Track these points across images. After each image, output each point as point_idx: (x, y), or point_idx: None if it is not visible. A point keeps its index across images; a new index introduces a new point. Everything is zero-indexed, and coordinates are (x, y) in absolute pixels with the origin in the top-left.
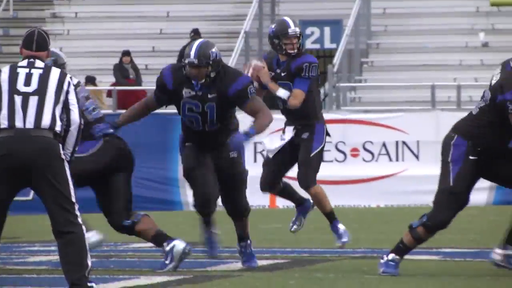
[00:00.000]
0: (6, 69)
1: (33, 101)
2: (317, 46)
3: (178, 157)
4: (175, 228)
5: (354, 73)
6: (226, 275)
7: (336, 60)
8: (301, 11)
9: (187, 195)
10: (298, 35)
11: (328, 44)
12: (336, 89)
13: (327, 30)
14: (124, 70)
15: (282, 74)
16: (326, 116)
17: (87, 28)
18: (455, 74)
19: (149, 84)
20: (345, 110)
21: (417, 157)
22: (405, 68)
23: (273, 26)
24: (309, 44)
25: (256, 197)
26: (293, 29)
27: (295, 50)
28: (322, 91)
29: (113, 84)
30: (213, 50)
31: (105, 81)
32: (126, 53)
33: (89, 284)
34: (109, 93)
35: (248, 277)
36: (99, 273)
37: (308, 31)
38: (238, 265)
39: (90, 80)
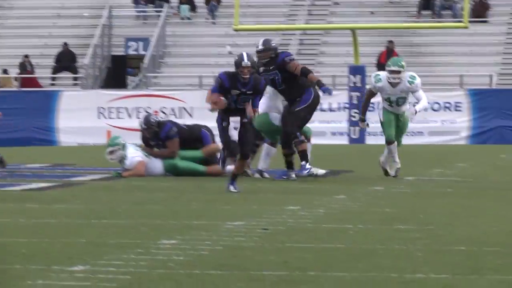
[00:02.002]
0: None
1: None
2: (135, 52)
3: None
4: None
5: (156, 67)
6: None
7: (146, 60)
8: (128, 31)
9: None
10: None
11: (141, 51)
12: (145, 77)
13: (141, 44)
14: (24, 65)
15: (248, 92)
16: (141, 92)
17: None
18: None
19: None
20: (151, 89)
21: (191, 115)
22: (186, 65)
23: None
24: (131, 51)
25: None
26: (245, 62)
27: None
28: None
29: (19, 73)
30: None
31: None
32: (26, 56)
33: None
34: (16, 79)
35: None
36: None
37: (133, 44)
38: None
39: (5, 71)
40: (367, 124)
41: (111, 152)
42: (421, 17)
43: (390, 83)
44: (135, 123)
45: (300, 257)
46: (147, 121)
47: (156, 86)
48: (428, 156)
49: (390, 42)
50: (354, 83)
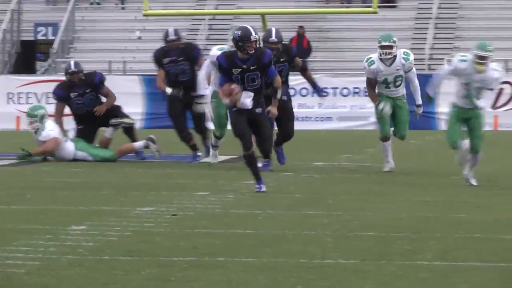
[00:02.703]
0: None
1: None
2: (44, 37)
3: None
4: None
5: (65, 53)
6: None
7: (55, 45)
8: (37, 16)
9: None
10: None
11: (50, 36)
12: (54, 62)
13: (50, 29)
14: None
15: (252, 68)
16: (50, 77)
17: None
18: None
19: None
20: (60, 74)
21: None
22: (96, 50)
23: (239, 32)
24: (40, 36)
25: None
26: (254, 35)
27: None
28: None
29: None
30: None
31: None
32: None
33: None
34: None
35: None
36: None
37: (42, 29)
38: None
39: None
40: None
41: (30, 123)
42: (330, 2)
43: (382, 60)
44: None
45: (209, 243)
46: (78, 64)
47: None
48: (337, 141)
49: (301, 27)
50: None
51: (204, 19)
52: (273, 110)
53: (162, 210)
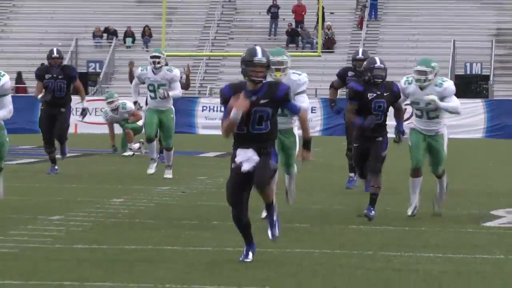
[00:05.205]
0: None
1: None
2: (93, 70)
3: None
4: None
5: (108, 81)
6: None
7: (101, 76)
8: (88, 56)
9: None
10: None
11: (98, 69)
12: (100, 87)
13: (97, 64)
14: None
15: (262, 101)
16: (99, 97)
17: None
18: None
19: None
20: (104, 95)
21: None
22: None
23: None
24: (91, 69)
25: None
26: (259, 57)
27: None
28: None
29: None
30: None
31: None
32: (19, 72)
33: None
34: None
35: None
36: None
37: (92, 64)
38: None
39: None
40: None
41: (112, 102)
42: (288, 48)
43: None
44: (93, 118)
45: (206, 212)
46: (59, 51)
47: (105, 94)
48: None
49: None
50: None
51: (202, 59)
52: (305, 155)
53: (175, 189)
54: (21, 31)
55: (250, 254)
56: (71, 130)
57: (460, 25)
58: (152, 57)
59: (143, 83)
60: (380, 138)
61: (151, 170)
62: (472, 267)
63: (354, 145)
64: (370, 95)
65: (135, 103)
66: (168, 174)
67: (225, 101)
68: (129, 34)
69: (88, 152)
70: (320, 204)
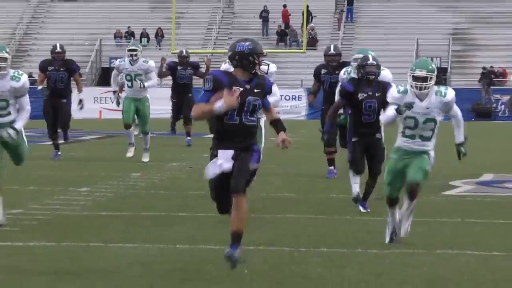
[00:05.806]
0: None
1: None
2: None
3: None
4: None
5: None
6: None
7: None
8: (111, 53)
9: None
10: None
11: None
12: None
13: (118, 60)
14: None
15: (255, 90)
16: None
17: None
18: None
19: None
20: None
21: None
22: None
23: (247, 44)
24: (113, 65)
25: None
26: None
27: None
28: None
29: None
30: None
31: None
32: None
33: None
34: None
35: None
36: None
37: (114, 60)
38: None
39: None
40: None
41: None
42: (278, 46)
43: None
44: (115, 106)
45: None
46: (62, 46)
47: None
48: None
49: None
50: None
51: (206, 55)
52: (284, 137)
53: (183, 165)
54: (54, 33)
55: (237, 251)
56: (95, 116)
57: (422, 25)
58: (129, 50)
59: (121, 73)
60: (378, 135)
61: (130, 153)
62: (434, 227)
63: (353, 140)
64: (360, 95)
65: (114, 92)
66: (146, 158)
67: (218, 84)
68: (144, 35)
69: (111, 133)
70: (305, 177)
